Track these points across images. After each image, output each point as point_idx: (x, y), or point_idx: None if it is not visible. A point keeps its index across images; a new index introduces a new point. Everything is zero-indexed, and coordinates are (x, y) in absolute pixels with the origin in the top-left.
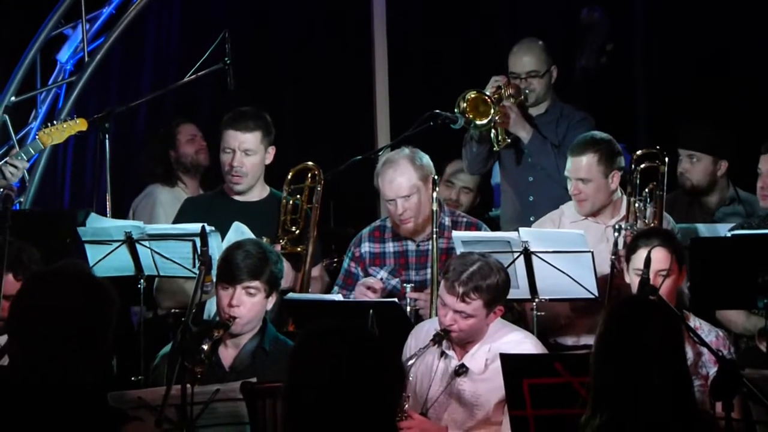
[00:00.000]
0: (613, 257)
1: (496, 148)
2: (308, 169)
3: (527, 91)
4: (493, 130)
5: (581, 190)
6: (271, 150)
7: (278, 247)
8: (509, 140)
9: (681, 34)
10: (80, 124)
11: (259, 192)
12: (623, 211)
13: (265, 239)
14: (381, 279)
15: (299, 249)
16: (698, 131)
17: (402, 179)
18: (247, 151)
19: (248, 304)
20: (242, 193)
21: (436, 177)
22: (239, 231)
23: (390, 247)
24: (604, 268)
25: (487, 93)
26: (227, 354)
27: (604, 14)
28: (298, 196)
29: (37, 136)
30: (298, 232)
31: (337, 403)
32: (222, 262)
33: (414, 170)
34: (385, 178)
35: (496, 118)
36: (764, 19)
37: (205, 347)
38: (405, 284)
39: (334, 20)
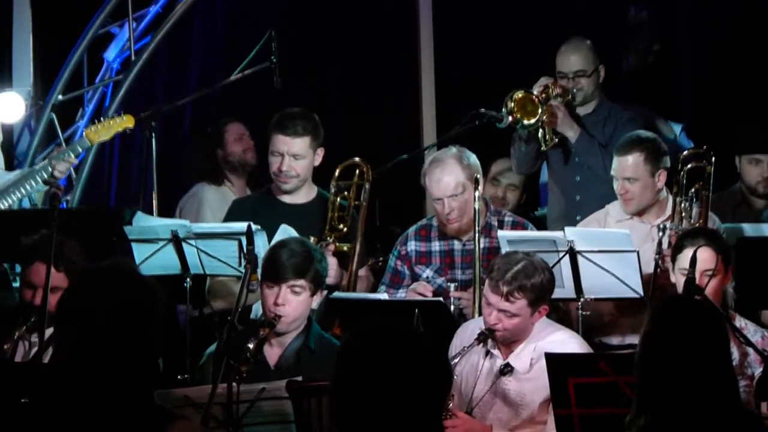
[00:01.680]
0: (657, 256)
1: (543, 148)
2: (356, 165)
3: (575, 91)
4: (540, 130)
5: (628, 189)
6: (320, 152)
7: (332, 247)
8: (557, 140)
9: (729, 33)
10: (127, 121)
11: (306, 193)
12: (669, 211)
13: (312, 239)
14: (427, 278)
15: (346, 248)
16: None
17: (449, 178)
18: (296, 156)
19: (294, 302)
20: (290, 194)
21: (478, 176)
22: (286, 233)
23: (436, 245)
24: (650, 268)
25: (535, 92)
26: (272, 353)
27: (651, 14)
28: (346, 193)
29: (84, 134)
30: (345, 230)
31: (384, 402)
32: (267, 261)
33: (461, 169)
34: (432, 177)
35: (544, 117)
36: None
37: (251, 346)
38: (450, 283)
39: (379, 19)
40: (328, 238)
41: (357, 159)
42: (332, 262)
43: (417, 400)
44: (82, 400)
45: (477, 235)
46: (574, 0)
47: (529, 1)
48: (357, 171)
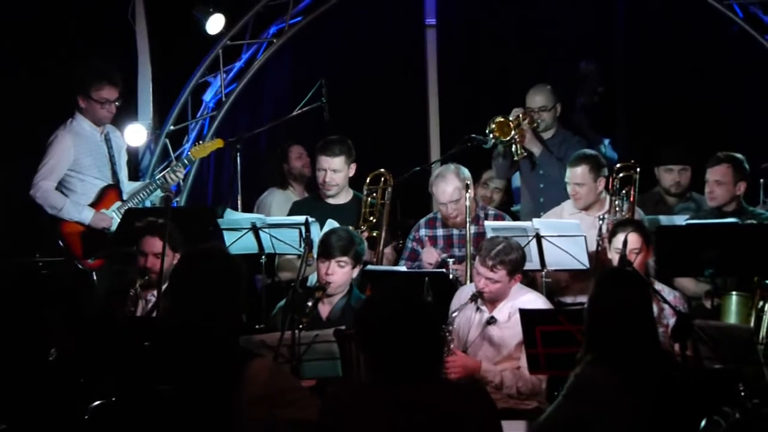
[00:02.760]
0: (598, 239)
1: (516, 158)
2: (381, 174)
3: (539, 121)
4: (513, 145)
5: (577, 191)
6: (353, 166)
7: (365, 234)
8: (525, 154)
9: (650, 77)
10: (218, 143)
11: (345, 196)
12: (607, 206)
13: (350, 227)
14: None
15: (375, 233)
16: (686, 148)
17: (450, 189)
18: (335, 171)
19: (339, 273)
20: (333, 197)
21: (469, 183)
22: (331, 226)
23: (440, 232)
24: (594, 248)
25: (510, 118)
26: (324, 309)
27: (597, 65)
28: (374, 194)
29: (189, 152)
30: (374, 221)
31: (400, 344)
32: (321, 243)
33: (458, 181)
34: (438, 188)
35: (516, 136)
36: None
37: (310, 304)
38: (449, 259)
39: (396, 67)
40: (362, 227)
41: (382, 170)
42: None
43: (423, 343)
44: (190, 345)
45: (468, 224)
46: (541, 54)
47: (509, 55)
48: (382, 179)
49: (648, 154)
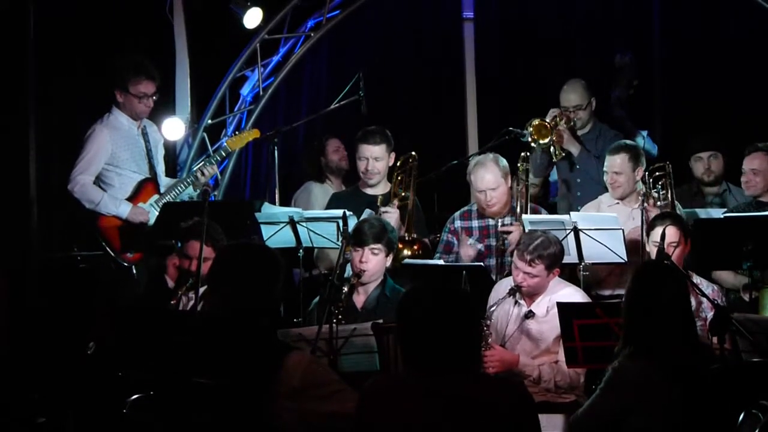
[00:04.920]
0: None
1: (554, 160)
2: (409, 156)
3: (575, 119)
4: (551, 147)
5: (615, 180)
6: (392, 155)
7: (396, 202)
8: (563, 154)
9: (686, 71)
10: (254, 133)
11: (384, 187)
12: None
13: (380, 198)
14: (470, 244)
15: (405, 202)
16: (712, 136)
17: (489, 176)
18: (377, 159)
19: (373, 260)
20: (372, 188)
21: (507, 172)
22: (370, 215)
23: (475, 223)
24: (630, 238)
25: (547, 120)
26: (359, 299)
27: (632, 57)
28: (402, 174)
29: (225, 143)
30: (403, 194)
31: (438, 338)
32: (354, 232)
33: (498, 169)
34: (477, 175)
35: (554, 138)
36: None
37: (345, 289)
38: (485, 248)
39: (435, 62)
40: (393, 202)
41: (412, 153)
42: (395, 215)
43: (460, 336)
44: (229, 337)
45: (518, 214)
46: (577, 49)
47: (546, 48)
48: (410, 160)
49: (683, 147)
